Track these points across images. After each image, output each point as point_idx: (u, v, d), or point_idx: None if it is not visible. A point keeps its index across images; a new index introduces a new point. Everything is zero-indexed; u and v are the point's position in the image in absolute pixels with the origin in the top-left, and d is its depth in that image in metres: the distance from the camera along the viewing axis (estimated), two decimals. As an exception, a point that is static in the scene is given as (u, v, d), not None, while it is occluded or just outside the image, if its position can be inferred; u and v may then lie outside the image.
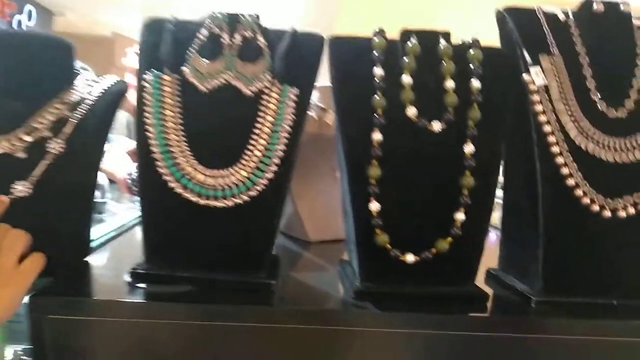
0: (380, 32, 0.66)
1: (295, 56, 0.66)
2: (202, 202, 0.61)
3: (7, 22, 5.58)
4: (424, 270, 0.64)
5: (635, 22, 0.69)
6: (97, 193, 0.98)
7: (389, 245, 0.63)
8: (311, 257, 0.88)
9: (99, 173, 0.67)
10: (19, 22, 5.80)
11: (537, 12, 0.70)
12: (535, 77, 0.65)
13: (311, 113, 0.91)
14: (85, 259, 0.70)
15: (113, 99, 0.68)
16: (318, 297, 0.67)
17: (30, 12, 6.36)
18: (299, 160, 0.94)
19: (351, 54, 0.66)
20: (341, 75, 0.66)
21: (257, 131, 0.63)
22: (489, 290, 0.73)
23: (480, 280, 0.77)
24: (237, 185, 0.61)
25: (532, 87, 0.65)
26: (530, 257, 0.68)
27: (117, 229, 0.97)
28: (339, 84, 0.65)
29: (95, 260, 0.73)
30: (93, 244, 0.80)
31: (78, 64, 0.71)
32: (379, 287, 0.64)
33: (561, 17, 0.69)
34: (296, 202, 0.96)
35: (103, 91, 0.68)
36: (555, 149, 0.64)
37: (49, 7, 6.64)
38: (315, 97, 0.94)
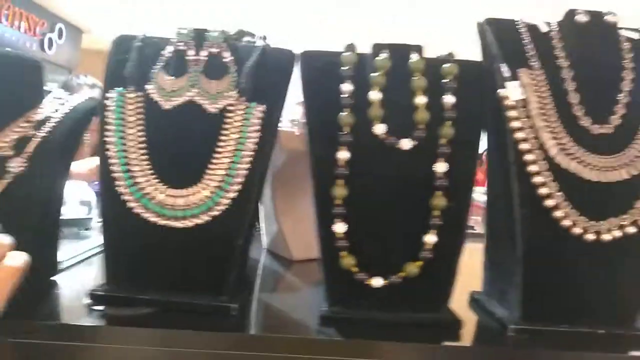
0: (350, 47, 0.63)
1: (264, 72, 0.64)
2: (162, 222, 0.59)
3: (39, 40, 5.76)
4: (393, 295, 0.60)
5: (622, 33, 0.65)
6: (83, 209, 0.97)
7: (355, 269, 0.59)
8: (291, 278, 0.85)
9: (65, 190, 0.65)
10: (50, 40, 5.98)
11: (518, 23, 0.66)
12: (512, 91, 0.60)
13: (295, 130, 0.89)
14: (52, 279, 0.69)
15: (81, 116, 0.66)
16: (282, 322, 0.64)
17: (60, 30, 6.55)
18: (283, 177, 0.92)
19: (321, 70, 0.63)
20: (310, 92, 0.63)
21: (220, 149, 0.60)
22: (468, 316, 0.68)
23: (463, 305, 0.73)
24: (197, 205, 0.59)
25: (508, 102, 0.61)
26: (509, 282, 0.64)
27: (99, 246, 0.95)
28: (308, 101, 0.63)
29: (66, 279, 0.71)
30: (71, 262, 0.79)
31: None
32: (345, 313, 0.61)
33: (544, 28, 0.65)
34: (280, 220, 0.93)
35: (71, 109, 0.66)
36: (533, 168, 0.59)
37: (77, 25, 6.84)
38: (300, 113, 0.91)
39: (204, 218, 0.59)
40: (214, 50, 0.62)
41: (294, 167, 0.84)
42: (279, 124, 0.67)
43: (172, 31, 0.64)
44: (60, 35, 6.43)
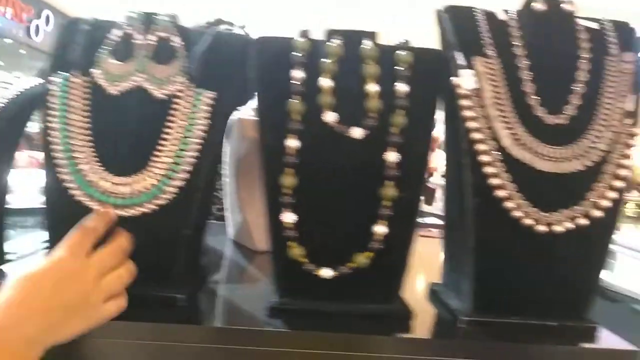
0: (304, 33, 0.61)
1: (215, 58, 0.62)
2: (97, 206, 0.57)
3: (25, 27, 5.66)
4: (343, 286, 0.59)
5: (581, 22, 0.64)
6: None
7: (303, 259, 0.58)
8: (252, 269, 0.83)
9: (9, 179, 0.63)
10: (37, 27, 5.88)
11: (476, 11, 0.64)
12: (465, 80, 0.59)
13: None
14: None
15: (26, 101, 0.64)
16: (232, 314, 0.62)
17: (47, 17, 6.44)
18: (247, 167, 0.90)
19: (274, 56, 0.61)
20: (262, 78, 0.61)
21: (167, 136, 0.59)
22: (425, 307, 0.68)
23: (422, 296, 0.72)
24: (143, 193, 0.57)
25: (461, 91, 0.59)
26: (463, 273, 0.63)
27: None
28: (259, 87, 0.61)
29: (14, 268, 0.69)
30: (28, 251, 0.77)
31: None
32: (294, 304, 0.59)
33: (502, 16, 0.64)
34: (244, 211, 0.92)
35: (17, 94, 0.64)
36: (485, 158, 0.58)
37: (65, 12, 6.71)
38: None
39: (150, 207, 0.57)
40: (162, 34, 0.60)
41: (257, 157, 0.83)
42: (234, 112, 0.65)
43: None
44: (47, 22, 6.33)
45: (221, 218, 1.07)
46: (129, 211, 0.57)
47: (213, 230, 1.05)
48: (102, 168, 0.58)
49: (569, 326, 0.61)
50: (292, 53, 0.60)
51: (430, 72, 0.62)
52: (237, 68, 0.62)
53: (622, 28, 0.65)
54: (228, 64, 0.62)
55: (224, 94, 0.61)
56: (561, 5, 0.62)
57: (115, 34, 0.61)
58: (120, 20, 0.61)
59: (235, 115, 0.88)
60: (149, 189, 0.57)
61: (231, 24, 1.52)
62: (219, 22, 1.51)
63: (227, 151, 0.94)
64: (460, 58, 0.61)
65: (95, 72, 0.60)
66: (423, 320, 0.63)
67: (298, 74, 0.59)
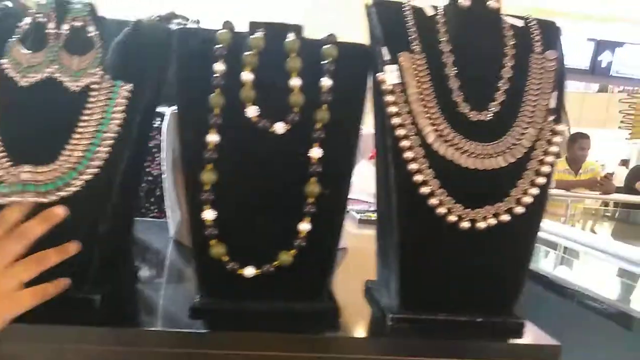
0: (227, 24, 0.59)
1: (135, 49, 0.59)
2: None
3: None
4: (267, 284, 0.57)
5: (507, 19, 0.64)
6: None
7: (225, 258, 0.56)
8: (186, 268, 0.81)
9: None
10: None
11: (404, 6, 0.63)
12: (389, 75, 0.58)
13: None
14: None
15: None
16: (152, 315, 0.60)
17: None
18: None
19: (195, 48, 0.59)
20: (182, 71, 0.59)
21: (80, 130, 0.56)
22: (359, 305, 0.67)
23: (358, 293, 0.72)
24: (47, 184, 0.54)
25: (385, 86, 0.58)
26: (391, 270, 0.62)
27: None
28: (179, 81, 0.58)
29: None
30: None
31: None
32: (217, 304, 0.57)
33: (429, 12, 0.63)
34: (183, 208, 0.89)
35: None
36: (408, 154, 0.58)
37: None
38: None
39: (50, 197, 0.53)
40: (77, 23, 0.57)
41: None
42: (156, 105, 0.63)
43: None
44: None
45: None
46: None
47: (155, 229, 1.02)
48: (10, 163, 0.54)
49: (496, 322, 0.61)
50: (214, 46, 0.58)
51: (356, 67, 0.61)
52: (159, 60, 0.60)
53: (547, 26, 0.65)
54: (148, 56, 0.60)
55: (143, 87, 0.58)
56: (487, 2, 0.62)
57: (27, 23, 0.57)
58: (32, 7, 0.58)
59: (170, 110, 0.86)
60: (53, 180, 0.54)
61: (185, 19, 1.48)
62: (172, 16, 1.47)
63: (164, 146, 0.91)
64: (385, 53, 0.60)
65: (4, 62, 0.56)
66: (352, 318, 0.63)
67: (219, 67, 0.57)
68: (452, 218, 0.58)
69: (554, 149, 0.60)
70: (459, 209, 0.58)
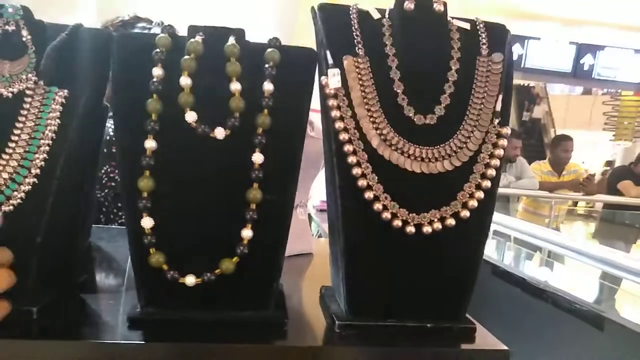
0: (167, 28, 0.58)
1: (71, 54, 0.58)
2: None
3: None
4: (210, 293, 0.56)
5: (454, 22, 0.63)
6: None
7: (165, 266, 0.55)
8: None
9: None
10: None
11: (351, 10, 0.63)
12: (331, 79, 0.58)
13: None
14: None
15: None
16: (91, 326, 0.58)
17: None
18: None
19: (134, 53, 0.58)
20: (121, 77, 0.57)
21: (15, 138, 0.54)
22: (313, 312, 0.66)
23: (315, 300, 0.70)
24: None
25: (328, 90, 0.58)
26: (340, 277, 0.61)
27: None
28: (116, 85, 0.57)
29: None
30: None
31: None
32: (158, 314, 0.56)
33: (375, 15, 0.63)
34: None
35: None
36: (352, 159, 0.57)
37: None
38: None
39: (-8, 210, 0.52)
40: (9, 27, 0.56)
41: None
42: (100, 111, 0.61)
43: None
44: None
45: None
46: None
47: (120, 237, 1.00)
48: (-61, 173, 0.53)
49: (445, 327, 0.61)
50: (154, 50, 0.56)
51: (300, 71, 0.60)
52: (97, 66, 0.59)
53: (495, 29, 0.65)
54: (86, 61, 0.58)
55: (79, 93, 0.57)
56: (432, 6, 0.62)
57: (-42, 28, 0.56)
58: (-34, 13, 0.56)
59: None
60: (-8, 193, 0.52)
61: (150, 21, 1.46)
62: (136, 19, 1.45)
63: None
64: (329, 57, 0.59)
65: None
66: (302, 327, 0.61)
67: (157, 72, 0.55)
68: (398, 223, 0.57)
69: (499, 152, 0.60)
70: (404, 213, 0.57)
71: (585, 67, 5.82)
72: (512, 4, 5.39)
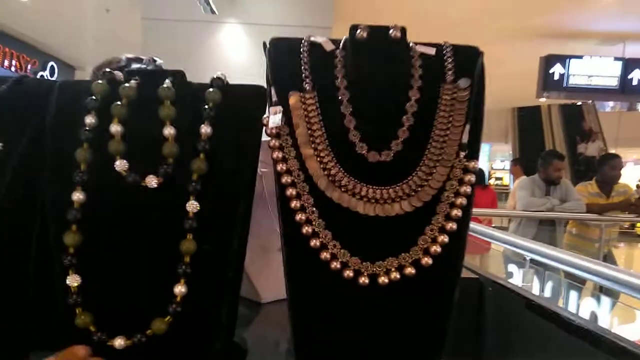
0: (106, 75, 0.54)
1: (9, 105, 0.55)
2: None
3: (29, 78, 5.74)
4: (140, 356, 0.50)
5: (416, 48, 0.56)
6: None
7: (92, 327, 0.49)
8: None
9: None
10: (42, 78, 5.97)
11: (303, 43, 0.57)
12: (272, 118, 0.52)
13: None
14: None
15: None
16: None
17: (52, 68, 6.55)
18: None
19: (69, 101, 0.54)
20: (54, 125, 0.54)
21: (-54, 194, 0.51)
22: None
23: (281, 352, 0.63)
24: None
25: (269, 130, 0.52)
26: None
27: None
28: (50, 135, 0.54)
29: None
30: None
31: None
32: (89, 378, 0.50)
33: (328, 47, 0.57)
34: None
35: None
36: (295, 204, 0.50)
37: (70, 62, 6.84)
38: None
39: None
40: (-53, 83, 0.54)
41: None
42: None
43: None
44: (52, 73, 6.44)
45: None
46: None
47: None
48: None
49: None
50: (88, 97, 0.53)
51: (244, 110, 0.54)
52: (36, 115, 0.56)
53: (464, 52, 0.57)
54: (24, 111, 0.55)
55: (16, 144, 0.54)
56: (389, 31, 0.55)
57: None
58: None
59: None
60: None
61: (140, 60, 1.44)
62: (130, 61, 1.45)
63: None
64: (274, 94, 0.53)
65: None
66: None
67: (89, 120, 0.51)
68: (349, 273, 0.49)
69: (466, 189, 0.51)
70: (357, 262, 0.50)
71: (634, 82, 5.50)
72: (551, 23, 5.20)
